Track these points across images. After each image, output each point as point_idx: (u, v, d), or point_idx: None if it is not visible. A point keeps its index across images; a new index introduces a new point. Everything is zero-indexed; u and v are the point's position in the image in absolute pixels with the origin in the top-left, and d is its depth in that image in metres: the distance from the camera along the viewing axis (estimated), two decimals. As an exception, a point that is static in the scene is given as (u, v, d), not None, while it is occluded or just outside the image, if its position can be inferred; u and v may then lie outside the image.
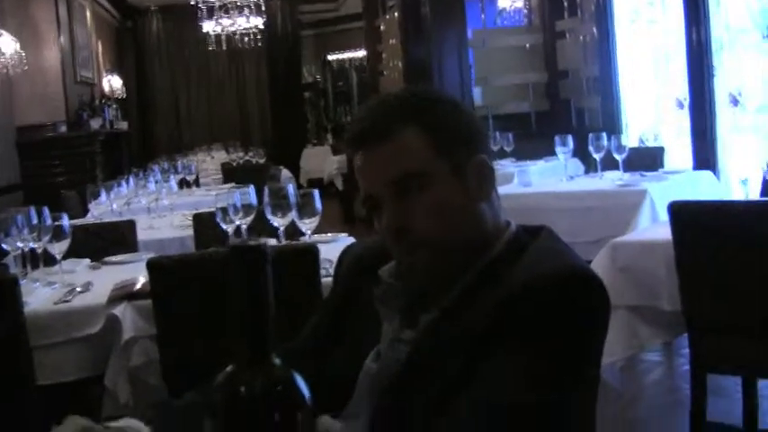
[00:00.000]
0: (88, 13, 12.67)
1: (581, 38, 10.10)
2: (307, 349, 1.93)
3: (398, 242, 1.74)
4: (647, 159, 6.58)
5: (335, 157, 13.38)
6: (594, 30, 9.65)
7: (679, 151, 7.99)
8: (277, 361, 1.07)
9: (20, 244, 3.95)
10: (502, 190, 1.85)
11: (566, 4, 10.41)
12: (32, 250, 4.03)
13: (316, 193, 3.95)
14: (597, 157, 6.08)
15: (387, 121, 1.74)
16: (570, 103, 10.50)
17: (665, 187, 5.59)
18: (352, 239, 4.21)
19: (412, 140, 1.72)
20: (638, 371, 5.07)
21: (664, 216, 4.04)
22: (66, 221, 3.96)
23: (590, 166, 6.68)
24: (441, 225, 1.72)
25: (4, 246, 3.99)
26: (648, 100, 9.13)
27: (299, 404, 1.07)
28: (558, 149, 6.28)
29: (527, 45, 11.15)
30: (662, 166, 6.60)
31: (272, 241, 4.04)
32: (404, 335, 1.76)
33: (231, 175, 9.45)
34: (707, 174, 6.52)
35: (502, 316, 1.57)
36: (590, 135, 6.11)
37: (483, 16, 12.01)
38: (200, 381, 1.93)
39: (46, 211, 3.94)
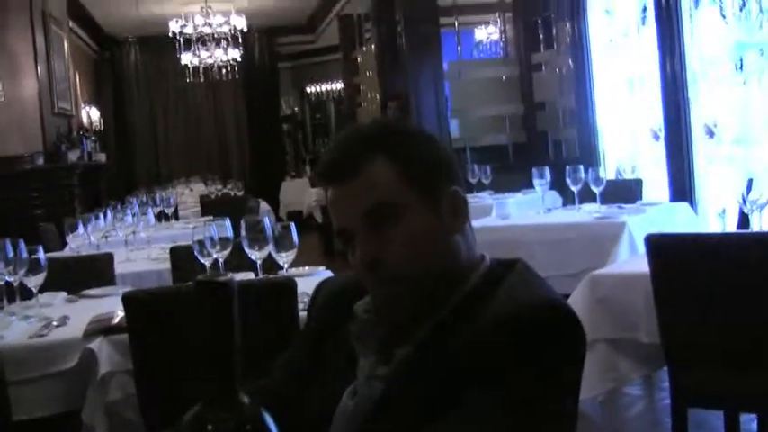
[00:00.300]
0: (66, 44, 12.64)
1: (557, 70, 10.16)
2: (281, 385, 1.91)
3: (372, 274, 1.72)
4: (625, 192, 6.60)
5: (314, 189, 13.34)
6: (570, 62, 9.72)
7: (656, 182, 8.03)
8: (245, 399, 1.06)
9: (-5, 277, 3.93)
10: (480, 222, 1.86)
11: (542, 36, 10.48)
12: (8, 283, 4.01)
13: (292, 226, 3.95)
14: (575, 189, 6.09)
15: (355, 155, 1.73)
16: (547, 135, 10.55)
17: (643, 219, 5.61)
18: (330, 273, 4.21)
19: (381, 172, 1.71)
20: (619, 405, 5.06)
21: (642, 248, 4.05)
22: (42, 254, 3.94)
23: (568, 199, 6.70)
24: (414, 257, 1.70)
25: (-22, 279, 3.96)
26: (624, 131, 9.18)
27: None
28: (536, 182, 6.29)
29: (503, 77, 11.20)
30: (640, 198, 6.62)
31: (250, 275, 4.03)
32: (379, 371, 1.74)
33: (209, 207, 9.44)
34: (684, 206, 6.55)
35: (476, 349, 1.56)
36: (567, 167, 6.12)
37: (459, 48, 12.08)
38: (178, 416, 1.92)
39: (22, 243, 3.91)
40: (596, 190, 5.97)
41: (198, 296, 1.05)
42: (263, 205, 10.46)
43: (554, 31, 10.14)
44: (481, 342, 1.57)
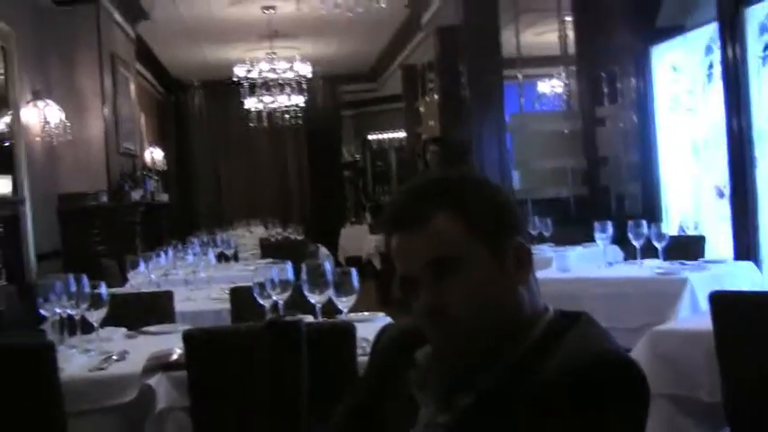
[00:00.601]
0: (132, 86, 12.83)
1: (621, 124, 10.10)
2: (341, 430, 1.91)
3: (434, 324, 1.72)
4: (688, 248, 6.52)
5: (373, 236, 13.38)
6: (634, 117, 9.66)
7: (719, 239, 7.94)
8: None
9: (58, 310, 3.98)
10: (540, 275, 1.83)
11: (606, 90, 10.43)
12: (70, 317, 4.05)
13: (353, 271, 3.95)
14: (637, 244, 6.04)
15: (419, 206, 1.73)
16: (609, 189, 10.48)
17: (706, 277, 5.53)
18: (389, 319, 4.20)
19: (445, 225, 1.70)
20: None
21: (704, 306, 4.00)
22: (104, 289, 3.99)
23: (629, 254, 6.63)
24: (477, 308, 1.69)
25: (42, 311, 4.01)
26: (688, 188, 9.09)
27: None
28: (598, 235, 6.25)
29: (566, 130, 11.16)
30: (702, 255, 6.54)
31: (309, 318, 4.03)
32: (439, 419, 1.73)
33: (269, 250, 9.46)
34: (748, 264, 6.45)
35: (539, 402, 1.55)
36: (629, 222, 6.08)
37: (522, 100, 12.08)
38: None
39: (84, 278, 3.97)
40: (658, 245, 5.91)
41: (268, 335, 1.05)
42: (323, 250, 10.48)
43: (619, 86, 10.09)
44: (544, 395, 1.55)
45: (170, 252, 6.84)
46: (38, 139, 9.51)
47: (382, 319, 4.36)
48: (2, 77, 8.57)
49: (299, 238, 12.12)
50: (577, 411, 1.53)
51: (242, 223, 15.93)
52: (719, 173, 8.17)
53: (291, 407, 0.92)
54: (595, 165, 10.70)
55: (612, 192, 10.39)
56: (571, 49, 11.58)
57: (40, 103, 9.50)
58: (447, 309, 1.70)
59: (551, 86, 14.93)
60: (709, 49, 8.29)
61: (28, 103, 9.32)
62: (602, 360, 1.59)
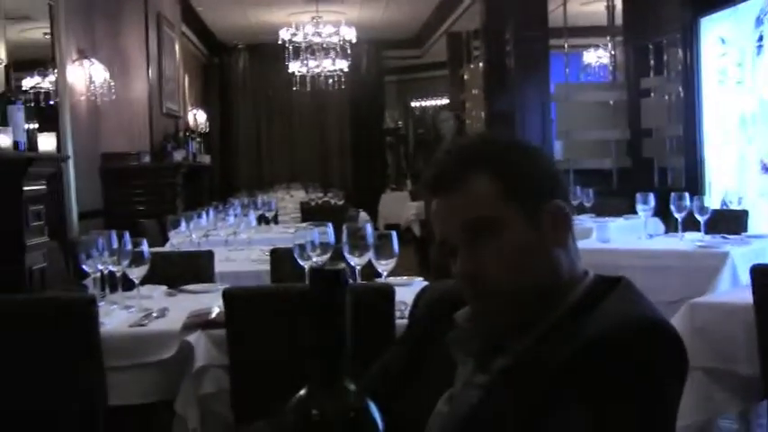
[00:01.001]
0: (177, 48, 12.86)
1: (666, 96, 10.03)
2: (376, 388, 1.91)
3: (472, 288, 1.73)
4: (730, 222, 6.47)
5: (414, 203, 13.37)
6: (680, 89, 9.58)
7: (762, 215, 7.87)
8: (352, 386, 1.06)
9: (100, 266, 4.01)
10: (580, 245, 1.82)
11: (652, 62, 10.36)
12: (112, 273, 4.09)
13: (394, 234, 3.95)
14: (679, 216, 6.00)
15: (458, 169, 1.74)
16: (653, 162, 10.41)
17: (748, 251, 5.49)
18: (427, 284, 4.21)
19: (482, 187, 1.71)
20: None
21: (744, 280, 3.97)
22: (146, 247, 4.01)
23: (670, 227, 6.60)
24: (514, 271, 1.70)
25: (84, 267, 4.05)
26: (732, 162, 9.01)
27: (371, 432, 1.06)
28: (639, 207, 6.21)
29: (610, 101, 11.09)
30: (745, 229, 6.49)
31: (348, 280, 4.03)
32: (477, 379, 1.74)
33: (309, 214, 9.47)
34: (791, 239, 6.41)
35: (576, 366, 1.54)
36: (672, 194, 6.03)
37: (567, 70, 12.01)
38: (269, 413, 1.94)
39: (127, 235, 3.99)
40: (701, 219, 5.86)
41: (312, 282, 1.05)
42: (363, 215, 10.48)
43: (665, 57, 10.02)
44: (581, 359, 1.55)
45: (211, 213, 6.87)
46: (82, 98, 9.57)
47: (420, 284, 4.36)
48: (48, 36, 8.60)
49: (340, 202, 12.13)
50: (614, 375, 1.53)
51: (282, 187, 15.97)
52: (766, 147, 8.10)
53: (334, 354, 0.92)
54: (639, 136, 10.64)
55: (655, 164, 10.34)
56: (618, 19, 11.49)
57: (86, 63, 9.55)
58: (484, 271, 1.70)
59: (597, 57, 14.82)
60: (759, 21, 8.19)
61: (74, 62, 9.36)
62: (640, 325, 1.59)
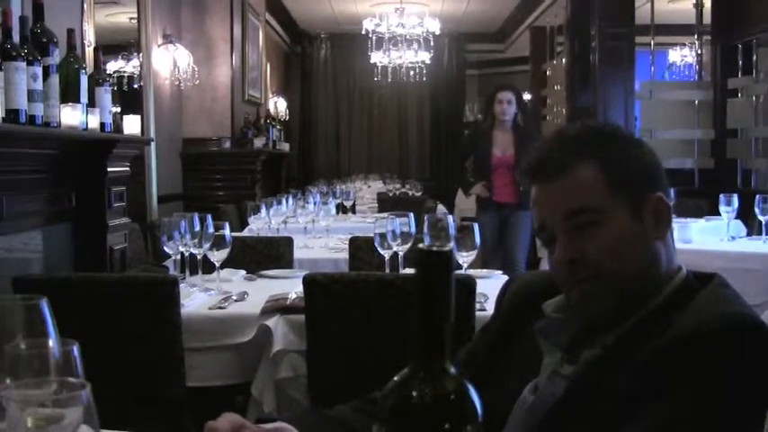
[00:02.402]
0: (261, 35, 12.94)
1: (754, 97, 9.86)
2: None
3: (570, 274, 1.73)
4: (816, 227, 6.36)
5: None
6: (768, 90, 9.43)
7: None
8: (452, 370, 1.05)
9: (181, 248, 4.05)
10: (660, 245, 1.80)
11: (740, 62, 10.19)
12: (192, 256, 4.12)
13: (475, 226, 3.94)
14: (763, 219, 5.91)
15: (563, 156, 1.74)
16: (737, 163, 10.25)
17: (833, 257, 5.40)
18: (506, 278, 4.18)
19: (588, 176, 1.71)
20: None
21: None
22: (227, 231, 4.05)
23: (753, 229, 6.50)
24: (614, 261, 1.69)
25: (166, 249, 4.09)
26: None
27: (470, 417, 1.04)
28: (722, 208, 6.13)
29: (696, 101, 10.94)
30: (831, 235, 6.37)
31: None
32: (564, 370, 1.74)
33: (387, 204, 9.48)
34: None
35: (667, 360, 1.53)
36: (757, 196, 5.94)
37: (652, 69, 11.87)
38: (345, 399, 1.93)
39: (209, 219, 4.03)
40: (786, 222, 5.78)
41: (418, 263, 1.04)
42: (441, 207, 10.47)
43: (754, 57, 9.85)
44: (671, 353, 1.54)
45: (290, 200, 6.91)
46: (166, 82, 9.66)
47: (499, 277, 4.35)
48: (134, 21, 8.70)
49: (417, 194, 12.11)
50: (704, 370, 1.51)
51: (360, 177, 15.98)
52: None
53: (436, 336, 0.92)
54: (723, 137, 10.47)
55: (740, 166, 10.17)
56: (706, 18, 11.32)
57: (170, 47, 9.64)
58: (585, 259, 1.70)
59: (682, 56, 14.64)
60: None
61: (159, 46, 9.46)
62: (732, 320, 1.57)
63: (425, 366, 1.03)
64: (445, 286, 1.03)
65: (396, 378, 1.06)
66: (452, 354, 1.05)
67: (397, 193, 12.24)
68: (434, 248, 1.03)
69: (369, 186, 14.01)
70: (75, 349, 1.30)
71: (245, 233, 6.21)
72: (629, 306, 1.69)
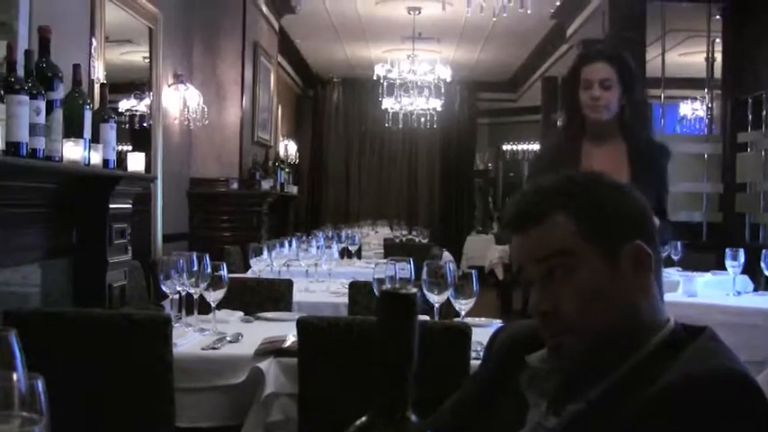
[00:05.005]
0: (273, 77, 12.97)
1: (763, 152, 9.85)
2: (448, 423, 1.90)
3: (545, 324, 1.71)
4: (822, 284, 6.33)
5: (498, 246, 13.31)
6: (778, 144, 9.42)
7: None
8: (414, 418, 1.01)
9: (178, 287, 4.03)
10: (665, 298, 1.77)
11: (750, 116, 10.19)
12: (189, 296, 4.10)
13: (474, 274, 3.91)
14: (769, 275, 5.88)
15: (539, 207, 1.73)
16: (745, 217, 10.22)
17: (840, 316, 5.35)
18: (503, 323, 4.15)
19: (561, 225, 1.70)
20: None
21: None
22: (224, 271, 4.03)
23: (759, 285, 6.47)
24: (587, 311, 1.67)
25: (163, 288, 4.06)
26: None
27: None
28: (729, 263, 6.09)
29: (705, 154, 10.92)
30: (836, 293, 6.33)
31: (426, 318, 3.99)
32: (548, 422, 1.71)
33: (393, 250, 9.45)
34: None
35: (652, 417, 1.49)
36: (764, 252, 5.91)
37: (662, 121, 11.87)
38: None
39: (207, 258, 4.01)
40: (792, 278, 5.75)
41: (380, 305, 1.01)
42: (446, 255, 10.42)
43: (764, 112, 9.84)
44: (656, 408, 1.50)
45: (294, 242, 6.89)
46: (176, 121, 9.67)
47: (498, 326, 4.30)
48: (147, 60, 8.73)
49: (424, 241, 12.09)
50: (690, 427, 1.47)
51: (368, 222, 15.98)
52: None
53: (397, 382, 0.88)
54: (732, 191, 10.45)
55: (748, 220, 10.14)
56: (717, 72, 11.34)
57: (181, 87, 9.65)
58: (557, 313, 1.69)
59: (693, 109, 14.65)
60: None
61: (169, 85, 9.48)
62: (721, 377, 1.53)
63: (386, 414, 1.00)
64: (408, 331, 0.99)
65: (355, 424, 1.02)
66: (420, 401, 1.02)
67: (404, 239, 12.22)
68: (398, 291, 1.00)
69: (376, 232, 13.99)
70: (40, 384, 1.27)
71: (248, 275, 6.18)
72: (608, 360, 1.66)
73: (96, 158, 4.98)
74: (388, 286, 3.95)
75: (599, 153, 4.27)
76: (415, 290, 1.01)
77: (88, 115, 4.85)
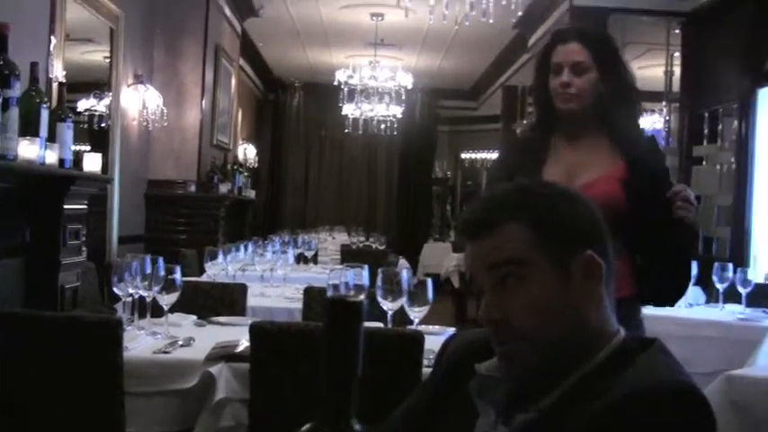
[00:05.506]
0: (233, 81, 12.92)
1: (717, 166, 9.93)
2: (397, 431, 1.91)
3: (495, 332, 1.72)
4: (772, 298, 6.38)
5: (455, 254, 13.33)
6: (732, 159, 9.49)
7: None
8: (357, 427, 1.01)
9: (131, 290, 4.00)
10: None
11: (706, 130, 10.27)
12: (142, 299, 4.07)
13: (429, 282, 3.91)
14: (720, 287, 5.94)
15: (491, 216, 1.74)
16: (698, 230, 10.29)
17: (789, 328, 5.40)
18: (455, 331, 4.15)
19: (512, 233, 1.70)
20: None
21: (785, 356, 3.88)
22: (178, 275, 4.01)
23: (711, 297, 6.51)
24: (537, 320, 1.68)
25: (116, 290, 4.04)
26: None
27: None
28: (681, 275, 6.12)
29: (662, 168, 10.98)
30: (787, 306, 6.39)
31: (379, 325, 3.99)
32: (498, 431, 1.71)
33: (349, 256, 9.43)
34: (834, 320, 6.28)
35: (599, 426, 1.51)
36: (715, 264, 5.96)
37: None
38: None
39: (161, 261, 3.99)
40: (743, 291, 5.80)
41: (326, 312, 1.01)
42: (403, 262, 10.43)
43: (720, 126, 9.93)
44: (604, 419, 1.51)
45: (250, 247, 6.87)
46: (134, 122, 9.60)
47: (451, 334, 4.30)
48: (107, 60, 8.67)
49: (381, 247, 12.09)
50: None
51: (326, 228, 15.96)
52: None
53: (342, 390, 0.88)
54: (687, 204, 10.50)
55: (701, 233, 10.21)
56: (675, 85, 11.42)
57: (141, 87, 9.59)
58: (507, 321, 1.69)
59: (652, 122, 14.74)
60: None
61: (129, 86, 9.42)
62: (669, 388, 1.55)
63: (330, 421, 1.00)
64: (354, 338, 0.99)
65: (301, 430, 1.02)
66: (370, 410, 1.02)
67: (361, 245, 12.22)
68: (345, 298, 1.00)
69: (334, 238, 13.98)
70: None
71: (203, 278, 6.14)
72: (557, 370, 1.67)
73: (52, 158, 4.94)
74: (343, 292, 3.97)
75: (572, 150, 3.57)
76: (362, 297, 1.01)
77: (45, 114, 4.81)
